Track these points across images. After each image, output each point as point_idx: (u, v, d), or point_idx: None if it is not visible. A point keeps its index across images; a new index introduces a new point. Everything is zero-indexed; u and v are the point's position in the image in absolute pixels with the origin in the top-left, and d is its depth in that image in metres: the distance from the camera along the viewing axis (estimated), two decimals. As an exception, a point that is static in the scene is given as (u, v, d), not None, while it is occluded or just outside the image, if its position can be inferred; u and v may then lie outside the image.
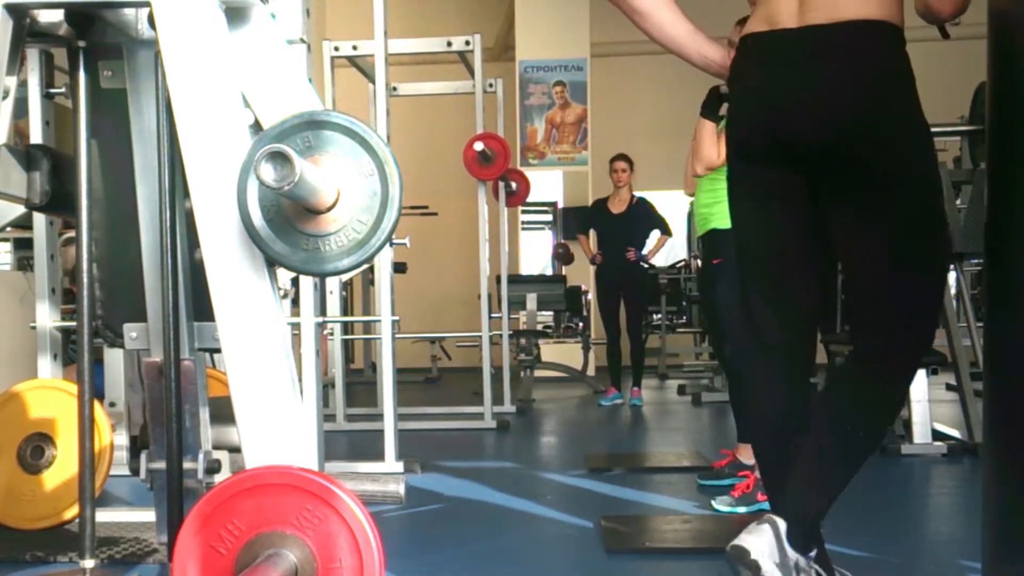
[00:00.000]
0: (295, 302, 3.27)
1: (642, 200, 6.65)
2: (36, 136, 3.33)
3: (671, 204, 8.27)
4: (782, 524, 1.80)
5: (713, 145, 3.28)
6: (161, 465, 1.63)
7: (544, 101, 9.30)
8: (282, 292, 1.55)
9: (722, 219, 3.36)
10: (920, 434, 4.20)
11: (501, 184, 6.04)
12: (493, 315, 6.09)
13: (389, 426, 4.02)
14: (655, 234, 6.74)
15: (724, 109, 3.30)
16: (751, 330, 2.00)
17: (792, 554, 1.80)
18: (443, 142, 9.28)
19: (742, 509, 3.15)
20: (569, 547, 2.90)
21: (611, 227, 6.61)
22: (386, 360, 4.12)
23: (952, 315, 4.65)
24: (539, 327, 7.58)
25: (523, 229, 9.79)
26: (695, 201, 3.51)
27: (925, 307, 1.85)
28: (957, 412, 4.70)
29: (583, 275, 8.71)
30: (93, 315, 1.73)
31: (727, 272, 3.38)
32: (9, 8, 1.51)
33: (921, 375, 4.21)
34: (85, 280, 1.71)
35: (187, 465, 1.61)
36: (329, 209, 1.40)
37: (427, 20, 9.78)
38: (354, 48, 5.57)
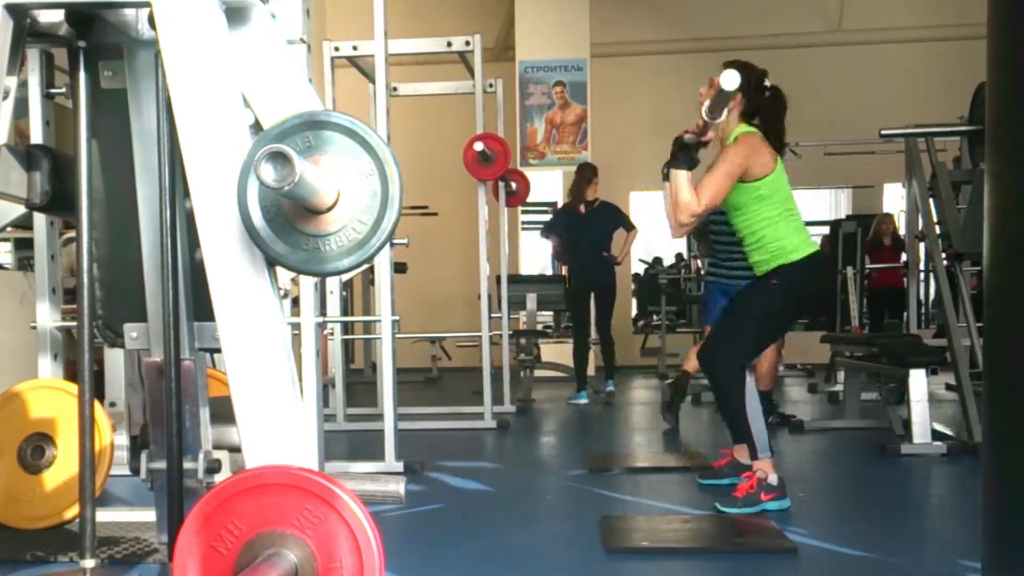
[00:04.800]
0: (295, 302, 3.27)
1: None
2: (36, 136, 3.33)
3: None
4: None
5: (691, 192, 3.17)
6: (161, 465, 1.63)
7: (544, 101, 9.30)
8: (282, 292, 1.55)
9: (785, 257, 3.23)
10: (920, 434, 4.20)
11: (501, 184, 6.04)
12: (493, 315, 6.09)
13: (389, 426, 4.03)
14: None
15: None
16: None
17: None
18: (443, 142, 9.28)
19: (746, 510, 3.15)
20: (569, 547, 2.90)
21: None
22: (386, 360, 4.12)
23: (951, 315, 4.65)
24: (539, 327, 7.57)
25: (523, 229, 9.79)
26: (749, 257, 3.36)
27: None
28: (957, 412, 4.70)
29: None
30: (93, 315, 1.73)
31: (778, 292, 3.25)
32: (9, 8, 1.51)
33: (921, 375, 4.22)
34: (85, 280, 1.71)
35: (187, 465, 1.61)
36: (329, 209, 1.40)
37: (427, 20, 9.79)
38: (354, 48, 5.57)
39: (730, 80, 2.74)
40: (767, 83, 3.39)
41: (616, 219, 6.84)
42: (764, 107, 3.36)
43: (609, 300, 6.83)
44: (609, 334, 6.90)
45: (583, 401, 6.70)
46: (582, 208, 6.75)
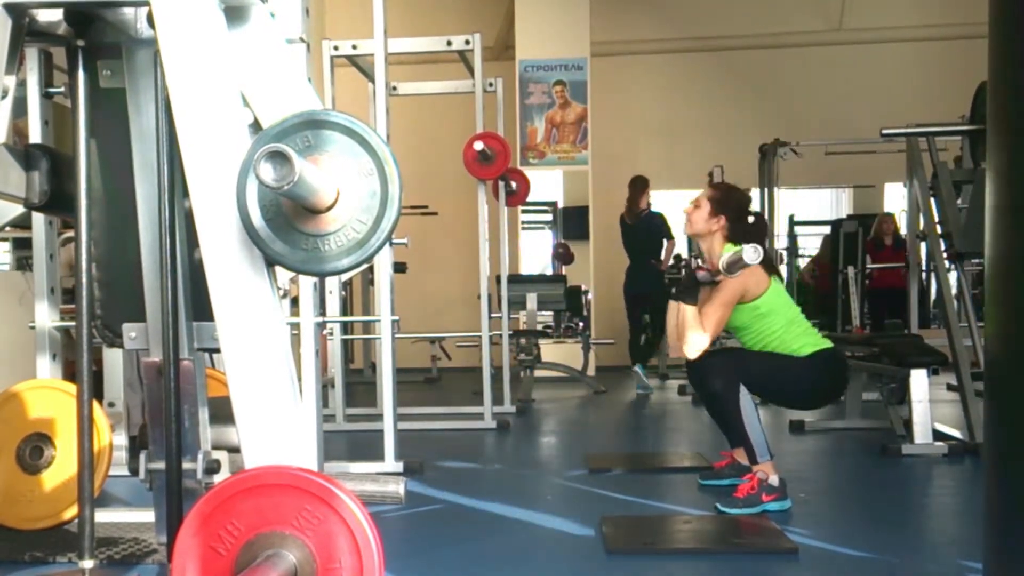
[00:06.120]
0: (295, 302, 3.26)
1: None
2: (35, 135, 3.32)
3: (671, 204, 8.29)
4: None
5: (698, 327, 3.28)
6: (160, 465, 1.62)
7: (544, 100, 9.29)
8: (281, 292, 1.55)
9: (801, 352, 3.36)
10: (921, 434, 4.19)
11: (501, 184, 6.04)
12: (493, 315, 6.08)
13: (389, 426, 4.02)
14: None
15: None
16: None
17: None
18: (443, 142, 9.27)
19: (746, 510, 3.15)
20: (569, 547, 2.89)
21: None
22: (386, 360, 4.12)
23: (953, 315, 4.65)
24: (539, 327, 7.57)
25: (523, 229, 9.78)
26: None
27: None
28: (958, 412, 4.70)
29: (583, 275, 8.71)
30: (92, 315, 1.73)
31: (802, 369, 3.35)
32: (8, 7, 1.51)
33: (922, 375, 4.21)
34: (84, 280, 1.70)
35: (186, 465, 1.60)
36: (329, 209, 1.40)
37: (427, 19, 9.77)
38: (354, 47, 5.56)
39: (753, 256, 2.98)
40: (752, 209, 3.54)
41: (659, 229, 7.42)
42: (747, 234, 3.40)
43: (645, 304, 7.40)
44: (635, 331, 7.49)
45: (641, 374, 7.19)
46: (629, 219, 7.38)
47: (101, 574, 2.40)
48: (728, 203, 3.47)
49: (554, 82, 9.29)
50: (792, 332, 3.39)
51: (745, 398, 3.26)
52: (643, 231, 7.31)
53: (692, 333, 3.29)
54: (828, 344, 3.44)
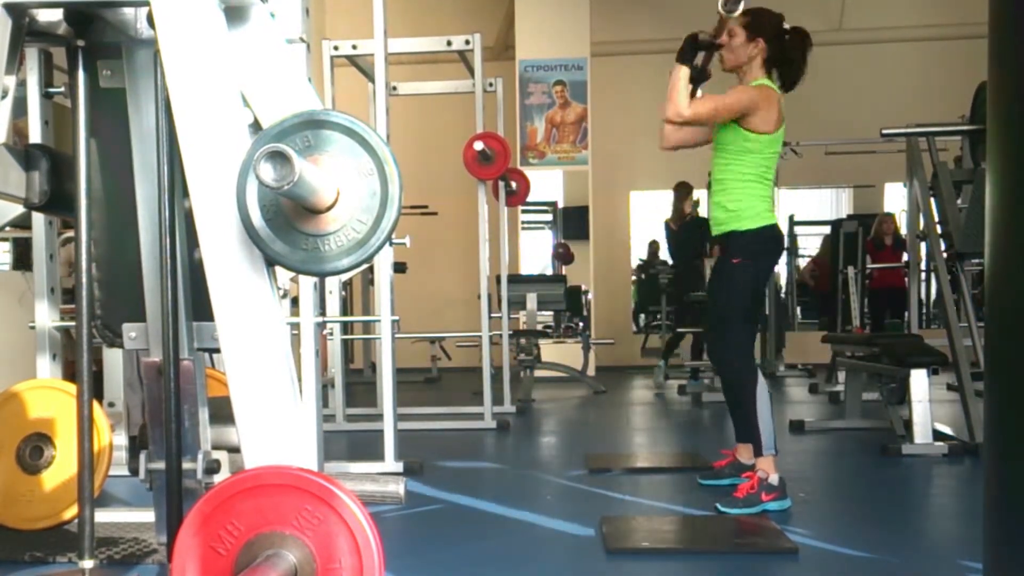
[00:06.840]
0: (295, 302, 3.27)
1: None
2: (35, 135, 3.33)
3: (669, 203, 8.28)
4: None
5: (686, 91, 3.22)
6: (160, 465, 1.62)
7: (544, 100, 9.29)
8: (281, 292, 1.55)
9: (739, 222, 3.29)
10: (921, 434, 4.19)
11: (501, 184, 6.04)
12: (493, 315, 6.08)
13: (389, 426, 4.02)
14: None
15: (699, 58, 3.36)
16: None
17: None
18: (443, 142, 9.27)
19: (746, 510, 3.15)
20: (569, 547, 2.89)
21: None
22: (386, 360, 4.12)
23: (952, 315, 4.65)
24: (539, 327, 7.58)
25: (523, 229, 9.79)
26: (710, 201, 3.48)
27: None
28: (958, 412, 4.70)
29: (583, 275, 8.71)
30: (92, 315, 1.73)
31: (743, 272, 3.30)
32: (8, 7, 1.51)
33: (922, 375, 4.21)
34: (84, 280, 1.70)
35: (186, 465, 1.60)
36: (329, 209, 1.39)
37: (427, 19, 9.78)
38: (354, 47, 5.57)
39: None
40: (786, 26, 3.38)
41: (701, 233, 7.56)
42: (787, 50, 3.33)
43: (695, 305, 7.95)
44: (675, 328, 8.00)
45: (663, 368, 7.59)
46: (674, 224, 7.83)
47: (101, 574, 2.41)
48: (763, 24, 3.33)
49: (554, 82, 9.29)
50: (754, 190, 3.28)
51: (762, 388, 3.27)
52: (688, 236, 7.54)
53: (675, 96, 3.22)
54: (773, 219, 3.35)
